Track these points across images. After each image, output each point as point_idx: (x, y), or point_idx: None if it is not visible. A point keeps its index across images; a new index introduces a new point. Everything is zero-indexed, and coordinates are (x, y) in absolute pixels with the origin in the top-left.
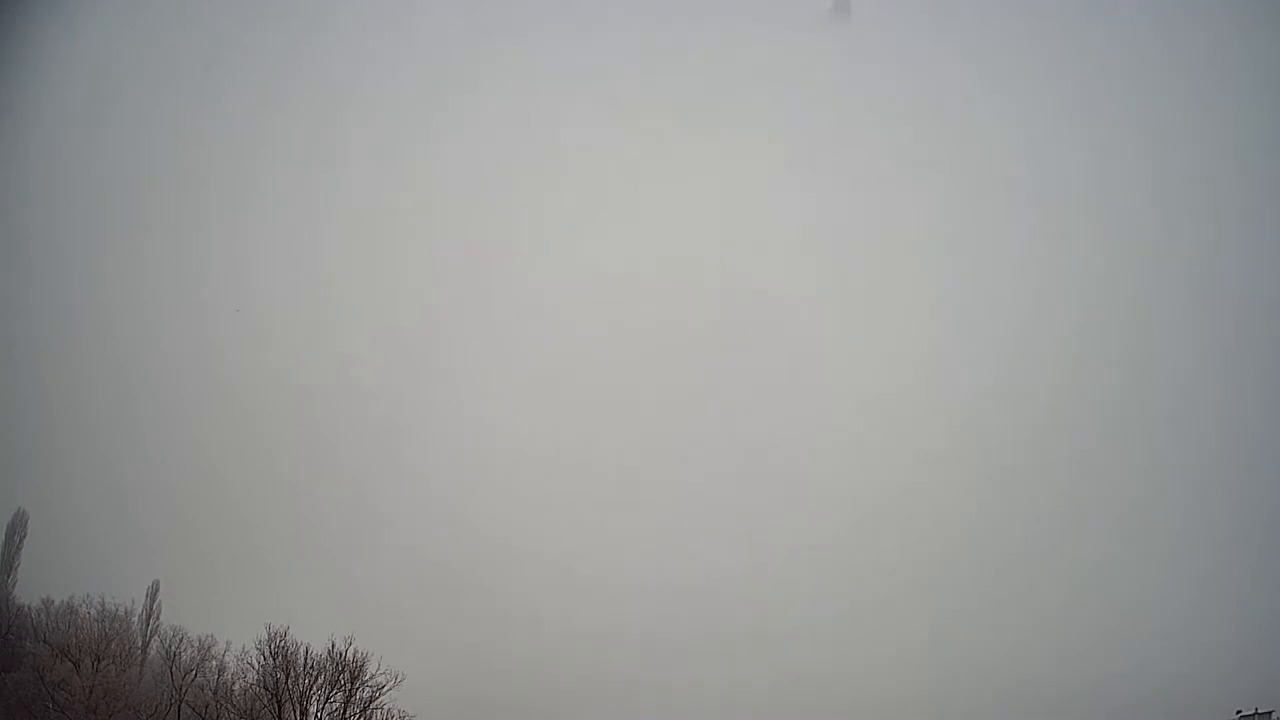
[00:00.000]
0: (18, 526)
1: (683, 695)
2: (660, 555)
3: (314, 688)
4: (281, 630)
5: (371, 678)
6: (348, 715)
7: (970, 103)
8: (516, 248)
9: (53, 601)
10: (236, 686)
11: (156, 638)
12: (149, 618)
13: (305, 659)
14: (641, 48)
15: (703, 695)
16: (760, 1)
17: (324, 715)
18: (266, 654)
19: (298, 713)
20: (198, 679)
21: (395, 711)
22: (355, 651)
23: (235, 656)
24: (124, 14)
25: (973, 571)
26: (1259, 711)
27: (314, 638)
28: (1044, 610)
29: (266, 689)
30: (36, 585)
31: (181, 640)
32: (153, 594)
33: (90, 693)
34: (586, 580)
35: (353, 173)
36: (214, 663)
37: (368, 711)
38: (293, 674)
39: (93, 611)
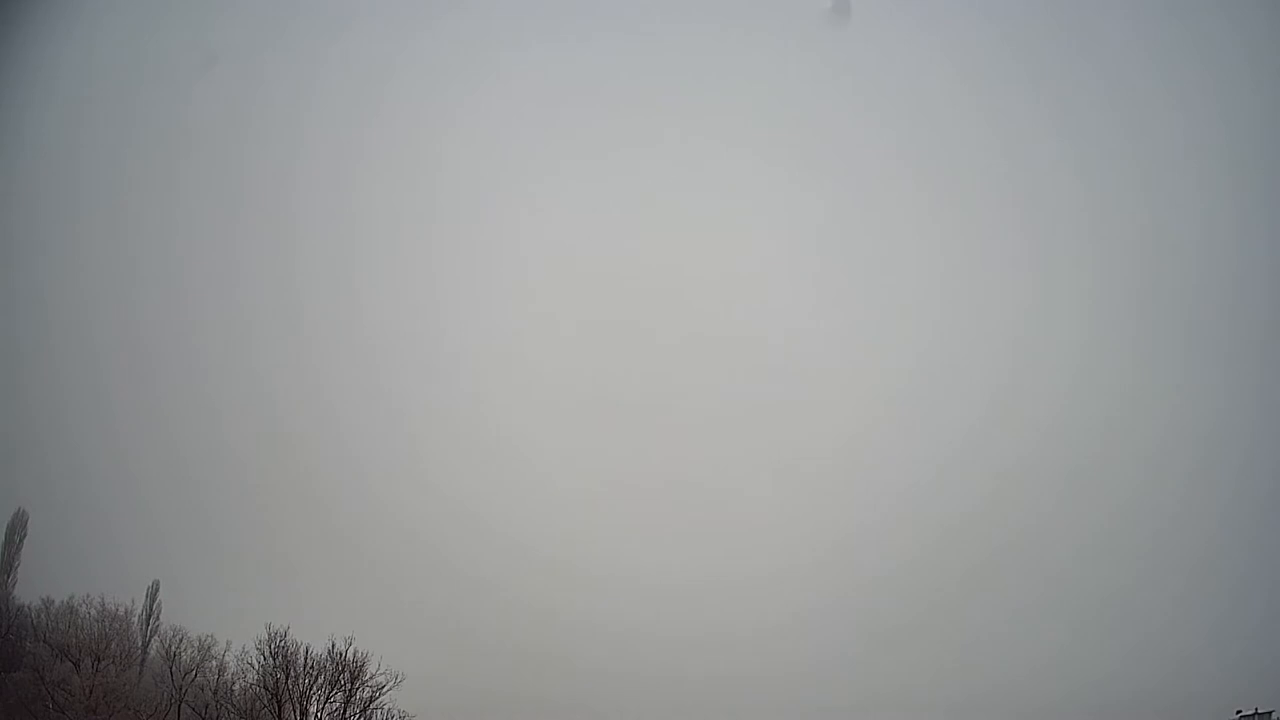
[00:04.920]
0: (18, 526)
1: (685, 696)
2: (664, 555)
3: (314, 688)
4: (281, 630)
5: (371, 678)
6: (348, 715)
7: (973, 104)
8: (530, 252)
9: (53, 601)
10: (236, 686)
11: (156, 638)
12: (149, 618)
13: (305, 659)
14: (642, 50)
15: (706, 695)
16: (759, 2)
17: (324, 715)
18: (266, 654)
19: (298, 713)
20: (198, 679)
21: (395, 711)
22: (355, 651)
23: (235, 656)
24: (124, 13)
25: (972, 572)
26: (1259, 711)
27: (314, 638)
28: (1044, 611)
29: (266, 689)
30: (36, 585)
31: (181, 640)
32: (153, 594)
33: (90, 693)
34: (589, 580)
35: (376, 176)
36: (214, 663)
37: (368, 711)
38: (293, 674)
39: (93, 611)
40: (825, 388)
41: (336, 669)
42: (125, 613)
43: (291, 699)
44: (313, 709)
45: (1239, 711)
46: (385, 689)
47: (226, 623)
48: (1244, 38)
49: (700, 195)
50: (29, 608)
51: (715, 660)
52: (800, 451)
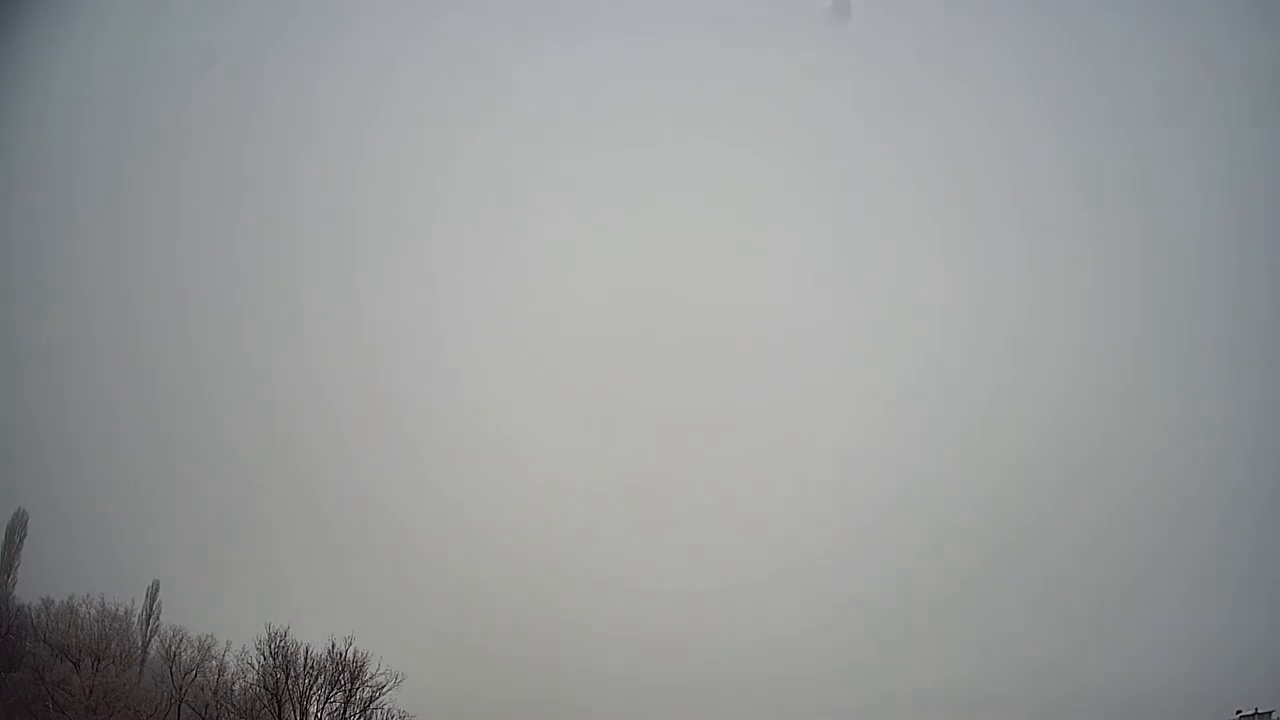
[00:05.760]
0: (18, 526)
1: (684, 698)
2: (663, 559)
3: (314, 688)
4: (281, 630)
5: (371, 678)
6: (348, 715)
7: (973, 104)
8: (530, 252)
9: (53, 601)
10: (236, 686)
11: (156, 638)
12: (149, 618)
13: (305, 659)
14: (642, 50)
15: (705, 698)
16: (759, 2)
17: (324, 715)
18: (266, 654)
19: (298, 713)
20: (198, 679)
21: (395, 711)
22: (355, 651)
23: (235, 656)
24: (124, 13)
25: (973, 573)
26: (1259, 711)
27: (314, 638)
28: (1044, 611)
29: (266, 689)
30: (36, 585)
31: (181, 640)
32: (153, 594)
33: (90, 693)
34: (587, 582)
35: (375, 176)
36: (214, 663)
37: (368, 711)
38: (293, 674)
39: (93, 611)
40: (830, 389)
41: (336, 669)
42: (125, 613)
43: (291, 699)
44: (313, 709)
45: (1239, 711)
46: (385, 689)
47: (226, 623)
48: (1242, 37)
49: (700, 195)
50: (29, 608)
51: (715, 665)
52: (804, 454)
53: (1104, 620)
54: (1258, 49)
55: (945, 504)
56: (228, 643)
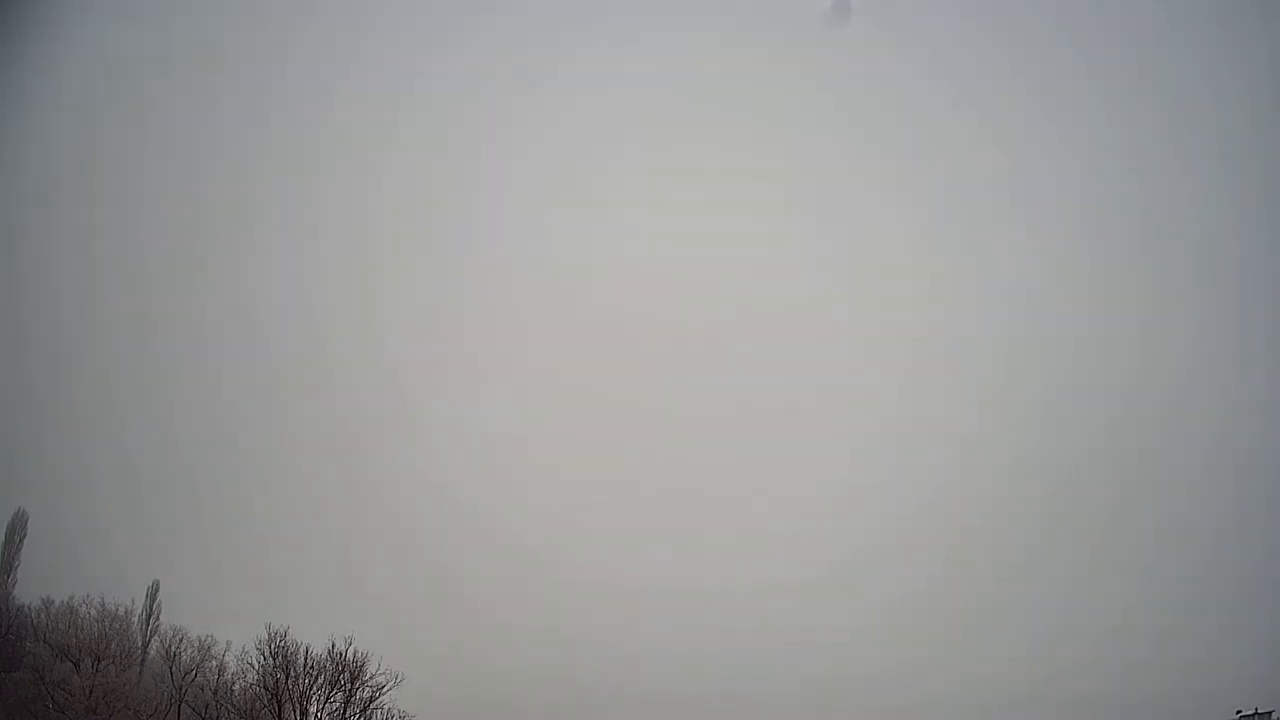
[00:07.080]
0: (18, 526)
1: (685, 699)
2: (663, 561)
3: (314, 688)
4: (281, 630)
5: (371, 678)
6: (348, 715)
7: (973, 104)
8: (529, 256)
9: (53, 601)
10: (236, 686)
11: (156, 638)
12: (149, 618)
13: (305, 659)
14: (643, 52)
15: (703, 700)
16: (759, 2)
17: (324, 715)
18: (266, 654)
19: (298, 713)
20: (198, 679)
21: (395, 711)
22: (355, 651)
23: (235, 656)
24: (122, 14)
25: (974, 575)
26: (1259, 711)
27: (314, 638)
28: (1045, 613)
29: (266, 689)
30: (36, 585)
31: (181, 640)
32: (153, 594)
33: (90, 693)
34: (588, 584)
35: (373, 175)
36: (214, 663)
37: (368, 711)
38: (293, 674)
39: (93, 611)
40: (844, 390)
41: (336, 669)
42: (125, 613)
43: (291, 699)
44: (313, 709)
45: (1239, 711)
46: (385, 689)
47: (226, 623)
48: (1242, 37)
49: (700, 196)
50: (29, 608)
51: (716, 667)
52: (819, 455)
53: (1104, 621)
54: (1258, 49)
55: (946, 510)
56: (228, 643)
